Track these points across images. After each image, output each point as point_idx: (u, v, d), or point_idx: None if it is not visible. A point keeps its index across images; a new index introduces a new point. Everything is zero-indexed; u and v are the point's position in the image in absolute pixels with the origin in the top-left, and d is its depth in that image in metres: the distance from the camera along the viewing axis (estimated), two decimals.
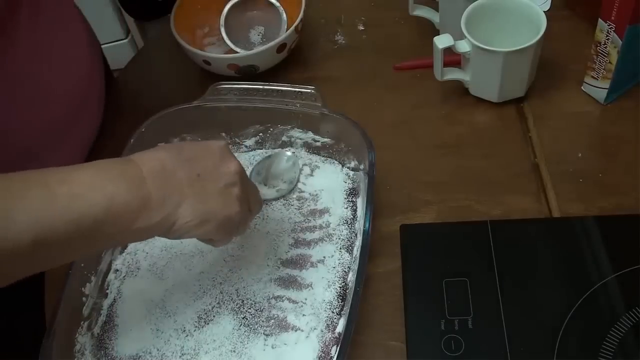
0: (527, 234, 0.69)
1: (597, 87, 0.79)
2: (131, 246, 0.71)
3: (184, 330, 0.65)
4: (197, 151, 0.57)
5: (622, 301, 0.63)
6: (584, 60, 0.78)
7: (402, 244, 0.70)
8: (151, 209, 0.52)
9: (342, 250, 0.68)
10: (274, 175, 0.75)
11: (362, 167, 0.73)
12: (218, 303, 0.66)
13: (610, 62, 0.75)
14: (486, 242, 0.69)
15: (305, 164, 0.76)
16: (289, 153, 0.77)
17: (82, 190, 0.49)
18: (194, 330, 0.64)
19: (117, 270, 0.70)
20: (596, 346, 0.60)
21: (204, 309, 0.66)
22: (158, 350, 0.64)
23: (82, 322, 0.65)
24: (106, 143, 0.81)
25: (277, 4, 0.89)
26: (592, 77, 0.78)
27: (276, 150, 0.78)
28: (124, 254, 0.71)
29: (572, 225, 0.70)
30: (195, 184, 0.55)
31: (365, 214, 0.65)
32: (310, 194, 0.74)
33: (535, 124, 0.79)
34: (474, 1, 0.78)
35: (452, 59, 0.80)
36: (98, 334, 0.65)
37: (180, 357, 0.63)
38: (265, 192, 0.73)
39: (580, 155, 0.76)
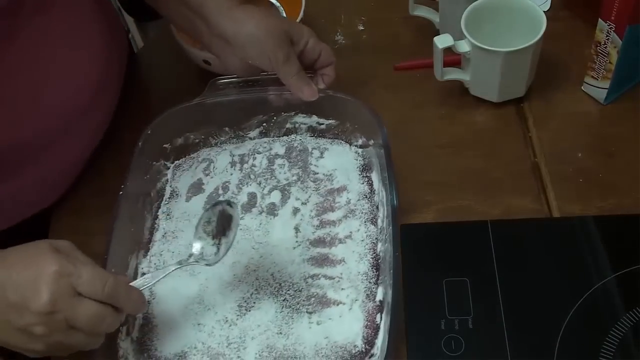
0: (527, 234, 0.70)
1: (597, 87, 0.79)
2: (155, 248, 0.71)
3: (227, 321, 0.64)
4: (15, 279, 0.54)
5: (622, 301, 0.64)
6: (584, 60, 0.78)
7: (402, 244, 0.70)
8: None
9: (367, 223, 0.69)
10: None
11: (371, 142, 0.74)
12: (256, 289, 0.66)
13: (610, 62, 0.75)
14: (486, 242, 0.69)
15: (314, 148, 0.77)
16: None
17: None
18: (237, 319, 0.64)
19: (144, 273, 0.69)
20: (596, 346, 0.61)
21: (243, 297, 0.66)
22: (203, 343, 0.63)
23: (121, 328, 0.64)
24: (109, 145, 0.81)
25: (277, 4, 0.89)
26: (592, 77, 0.78)
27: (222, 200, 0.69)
28: (148, 257, 0.70)
29: (572, 225, 0.70)
30: (2, 313, 0.54)
31: (390, 183, 0.66)
32: (324, 174, 0.74)
33: (535, 124, 0.79)
34: (474, 1, 0.78)
35: (452, 59, 0.80)
36: (137, 337, 0.65)
37: (227, 346, 0.63)
38: (209, 250, 0.64)
39: (580, 155, 0.76)
